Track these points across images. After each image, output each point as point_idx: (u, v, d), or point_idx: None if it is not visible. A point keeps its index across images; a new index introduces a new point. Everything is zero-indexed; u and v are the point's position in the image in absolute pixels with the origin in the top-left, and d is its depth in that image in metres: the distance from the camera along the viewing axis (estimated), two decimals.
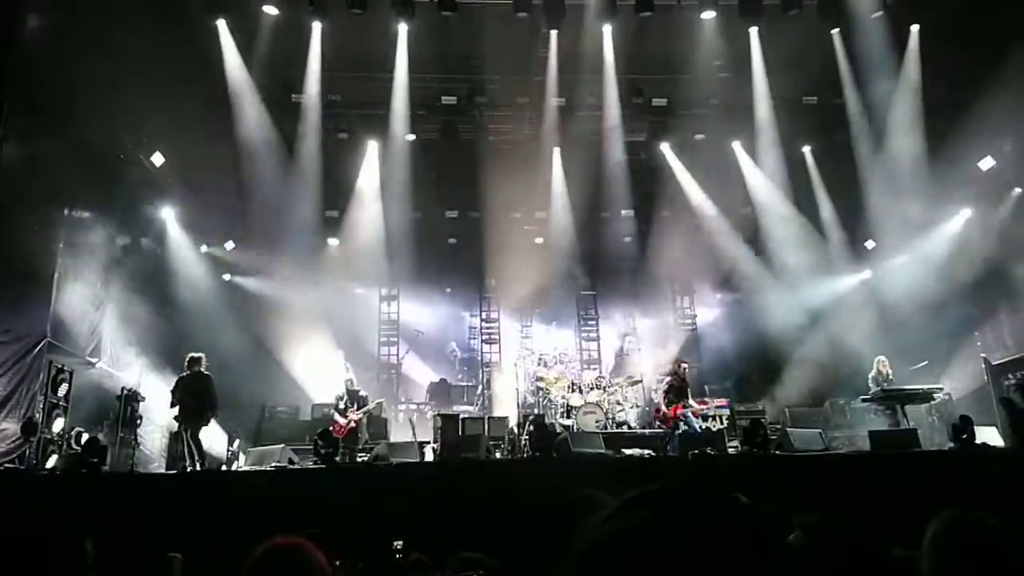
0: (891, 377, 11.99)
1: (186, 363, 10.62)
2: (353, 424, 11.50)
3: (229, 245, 15.96)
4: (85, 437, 9.91)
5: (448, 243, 17.90)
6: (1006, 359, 13.00)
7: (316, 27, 14.06)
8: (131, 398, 11.75)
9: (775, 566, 0.86)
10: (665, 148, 16.96)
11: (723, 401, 13.73)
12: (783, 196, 16.43)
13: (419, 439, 11.24)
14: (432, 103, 15.80)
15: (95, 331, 12.27)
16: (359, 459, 10.69)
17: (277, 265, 15.69)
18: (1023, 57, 11.50)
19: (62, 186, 11.28)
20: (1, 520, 2.30)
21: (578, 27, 14.30)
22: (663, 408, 11.64)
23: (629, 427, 13.58)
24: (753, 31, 14.64)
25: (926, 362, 13.89)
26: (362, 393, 11.98)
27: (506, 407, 15.09)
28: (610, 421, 13.26)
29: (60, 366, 10.54)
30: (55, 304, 10.94)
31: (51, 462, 9.77)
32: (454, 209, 17.52)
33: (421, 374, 17.41)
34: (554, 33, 14.40)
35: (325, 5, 13.38)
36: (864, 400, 12.17)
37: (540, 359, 15.00)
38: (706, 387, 15.18)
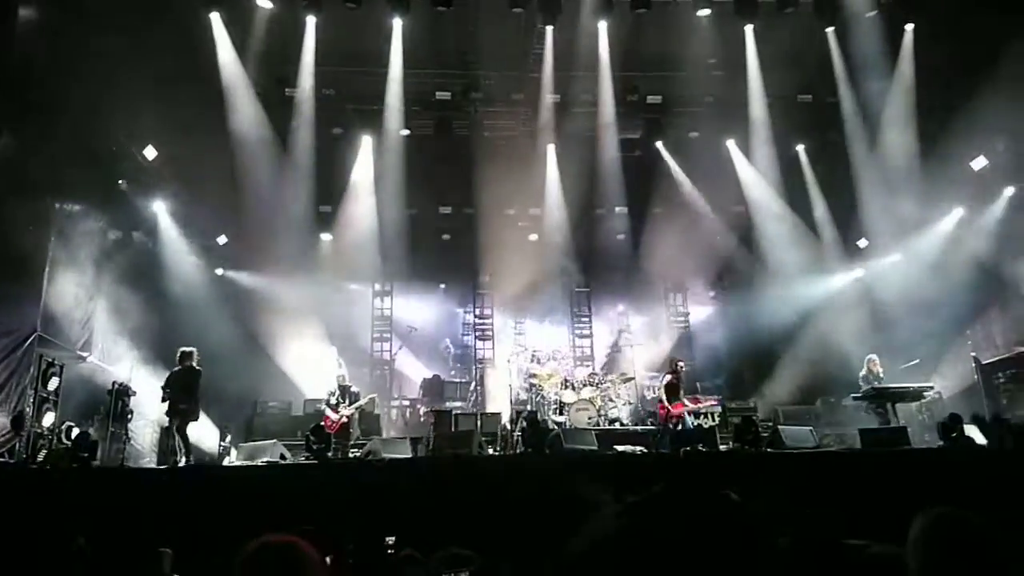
0: (882, 375, 12.05)
1: (177, 357, 10.59)
2: (345, 420, 11.48)
3: (222, 239, 15.91)
4: (76, 431, 9.86)
5: (442, 239, 17.89)
6: (996, 358, 13.09)
7: (310, 21, 13.99)
8: (122, 392, 11.73)
9: (766, 564, 0.87)
10: (659, 145, 16.99)
11: (714, 400, 13.81)
12: (776, 194, 16.48)
13: (411, 435, 11.25)
14: (426, 98, 15.76)
15: (86, 325, 12.23)
16: (351, 455, 10.69)
17: (270, 260, 15.63)
18: (1016, 57, 11.54)
19: (54, 179, 11.22)
20: None
21: (574, 23, 14.28)
22: (668, 406, 11.76)
23: (621, 424, 13.63)
24: (748, 29, 14.64)
25: (917, 361, 13.96)
26: (354, 389, 11.96)
27: (499, 403, 15.13)
28: (602, 418, 13.28)
29: (50, 360, 10.49)
30: (46, 298, 10.90)
31: (41, 456, 9.72)
32: (448, 205, 17.50)
33: (414, 370, 17.41)
34: (549, 29, 14.37)
35: None
36: (855, 398, 12.23)
37: (533, 355, 15.03)
38: (698, 384, 15.24)
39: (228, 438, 13.11)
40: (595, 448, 9.90)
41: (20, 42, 10.04)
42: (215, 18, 13.55)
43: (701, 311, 18.70)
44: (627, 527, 0.86)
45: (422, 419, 15.07)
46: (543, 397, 13.91)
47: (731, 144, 16.85)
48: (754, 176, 16.61)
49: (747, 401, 14.95)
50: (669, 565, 0.82)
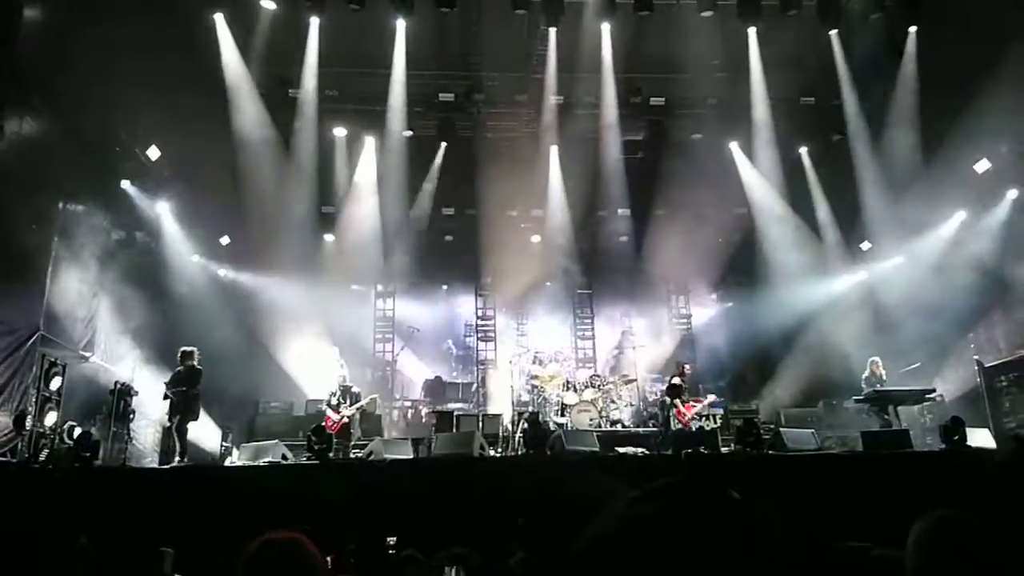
0: (884, 378, 12.03)
1: (179, 357, 10.62)
2: (346, 420, 11.49)
3: (224, 240, 15.93)
4: (78, 431, 9.87)
5: (445, 240, 17.91)
6: (999, 361, 13.06)
7: (314, 22, 14.01)
8: (124, 392, 11.75)
9: (767, 563, 0.87)
10: (663, 147, 16.97)
11: (716, 399, 13.79)
12: (779, 196, 16.46)
13: (413, 436, 11.24)
14: (430, 100, 15.78)
15: (89, 325, 12.24)
16: (352, 455, 10.69)
17: (272, 260, 15.65)
18: (1020, 59, 11.52)
19: (57, 179, 11.26)
20: None
21: (577, 25, 14.29)
22: (681, 408, 11.86)
23: (623, 425, 13.62)
24: (751, 31, 14.63)
25: (919, 364, 13.94)
26: (355, 389, 11.96)
27: (501, 404, 15.14)
28: (604, 419, 13.28)
29: (53, 359, 10.51)
30: (49, 297, 10.92)
31: (43, 456, 9.74)
32: (451, 206, 17.51)
33: (416, 371, 17.43)
34: (553, 31, 14.38)
35: (322, 0, 13.34)
36: (857, 401, 12.21)
37: (535, 357, 15.02)
38: (700, 386, 15.22)
39: (230, 438, 13.12)
40: (596, 449, 9.89)
41: (25, 42, 10.06)
42: (219, 19, 13.58)
43: (703, 313, 18.70)
44: (629, 522, 0.86)
45: (424, 420, 15.08)
46: (545, 398, 13.92)
47: (734, 146, 16.85)
48: (757, 178, 16.60)
49: (749, 403, 14.94)
50: (669, 562, 0.83)
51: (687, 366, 12.67)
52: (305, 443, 9.99)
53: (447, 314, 18.49)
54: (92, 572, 5.29)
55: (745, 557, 0.85)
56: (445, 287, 18.50)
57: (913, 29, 14.24)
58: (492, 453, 10.74)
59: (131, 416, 11.80)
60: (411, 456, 9.88)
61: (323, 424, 10.83)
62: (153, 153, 13.58)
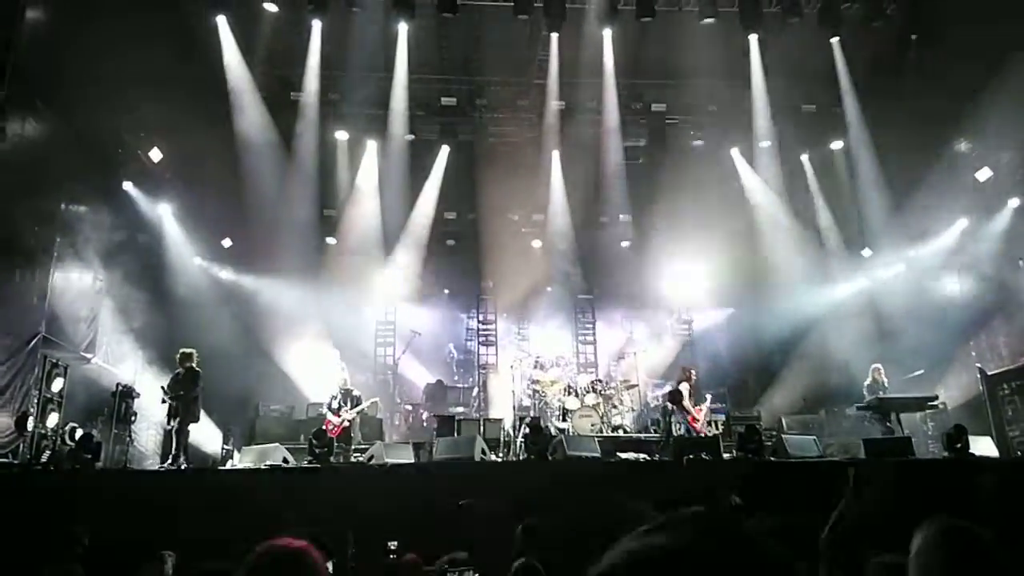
0: (886, 385, 12.01)
1: (177, 359, 10.61)
2: (347, 424, 11.47)
3: (226, 243, 15.95)
4: (79, 433, 9.87)
5: (446, 244, 17.91)
6: (1001, 369, 13.02)
7: (316, 25, 14.05)
8: (126, 394, 11.75)
9: None
10: (664, 153, 16.99)
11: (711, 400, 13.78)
12: (781, 203, 16.47)
13: (414, 440, 11.22)
14: (432, 104, 15.81)
15: (91, 326, 12.24)
16: (353, 459, 10.67)
17: (274, 263, 15.66)
18: (1021, 68, 11.53)
19: (59, 180, 11.26)
20: None
21: (579, 31, 14.31)
22: (693, 412, 11.90)
23: (624, 431, 13.57)
24: (753, 38, 14.66)
25: (921, 371, 13.92)
26: (355, 393, 11.94)
27: (502, 409, 15.10)
28: (606, 424, 13.25)
29: (55, 361, 10.51)
30: (51, 298, 10.91)
31: (44, 457, 9.73)
32: (452, 211, 17.53)
33: (417, 375, 17.40)
34: (555, 36, 14.41)
35: (325, 4, 13.35)
36: (859, 408, 12.18)
37: (536, 362, 15.01)
38: (702, 393, 15.19)
39: (231, 441, 13.11)
40: (598, 455, 9.88)
41: (28, 43, 10.09)
42: (221, 22, 13.60)
43: (705, 319, 18.67)
44: (641, 554, 0.85)
45: (425, 424, 15.06)
46: (546, 403, 13.89)
47: (735, 152, 16.86)
48: (758, 185, 16.61)
49: (751, 410, 14.90)
50: None
51: (693, 371, 12.63)
52: (306, 446, 9.99)
53: (448, 318, 18.48)
54: (93, 573, 5.29)
55: None
56: (447, 291, 18.50)
57: (914, 37, 14.26)
58: (493, 458, 10.72)
59: (133, 418, 11.80)
60: (412, 460, 9.86)
61: (324, 428, 10.82)
62: (155, 155, 13.60)
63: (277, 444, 10.48)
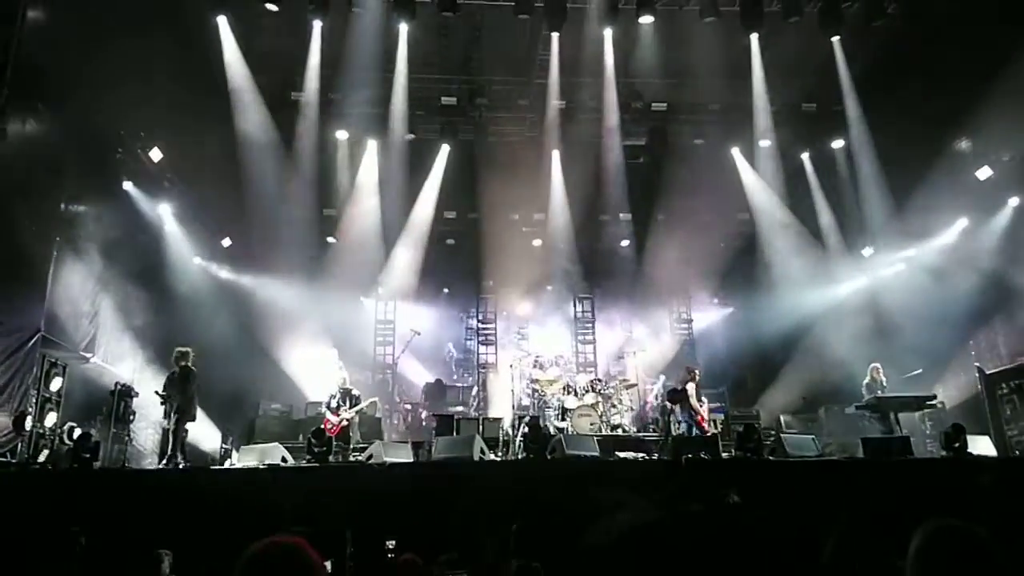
0: (885, 384, 12.01)
1: (173, 358, 10.60)
2: (345, 423, 11.47)
3: (226, 242, 15.94)
4: (78, 432, 9.87)
5: (446, 243, 17.91)
6: (1000, 368, 13.03)
7: (316, 25, 14.03)
8: (124, 394, 11.75)
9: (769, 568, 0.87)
10: (664, 152, 16.98)
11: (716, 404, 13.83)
12: (781, 202, 16.46)
13: (413, 439, 11.22)
14: (432, 103, 15.80)
15: (90, 325, 12.23)
16: (352, 458, 10.68)
17: (273, 262, 15.66)
18: (1022, 68, 11.52)
19: (59, 180, 11.25)
20: None
21: (579, 30, 14.29)
22: (700, 410, 11.99)
23: (623, 430, 13.58)
24: (753, 37, 14.63)
25: (920, 370, 13.92)
26: (355, 392, 11.95)
27: (501, 408, 15.11)
28: (605, 424, 13.26)
29: (53, 360, 10.51)
30: (50, 298, 10.90)
31: (43, 457, 9.73)
32: (452, 210, 17.52)
33: (417, 374, 17.42)
34: (555, 35, 14.39)
35: (325, 3, 13.34)
36: (858, 407, 12.19)
37: (536, 361, 15.01)
38: (701, 392, 15.21)
39: (230, 440, 13.11)
40: (597, 454, 9.88)
41: (28, 44, 10.08)
42: (222, 21, 13.59)
43: (704, 318, 18.68)
44: (632, 530, 0.86)
45: (424, 423, 15.07)
46: (545, 402, 13.90)
47: (736, 152, 16.85)
48: (758, 184, 16.60)
49: (750, 409, 14.92)
50: (675, 566, 0.82)
51: (697, 370, 12.66)
52: (305, 446, 9.99)
53: (448, 317, 18.49)
54: (90, 573, 5.29)
55: (748, 565, 0.85)
56: (446, 290, 18.50)
57: (916, 36, 14.23)
58: (492, 457, 10.72)
59: (131, 417, 11.80)
60: (411, 459, 9.87)
61: (323, 427, 10.82)
62: (155, 155, 13.59)
63: (276, 443, 10.48)
